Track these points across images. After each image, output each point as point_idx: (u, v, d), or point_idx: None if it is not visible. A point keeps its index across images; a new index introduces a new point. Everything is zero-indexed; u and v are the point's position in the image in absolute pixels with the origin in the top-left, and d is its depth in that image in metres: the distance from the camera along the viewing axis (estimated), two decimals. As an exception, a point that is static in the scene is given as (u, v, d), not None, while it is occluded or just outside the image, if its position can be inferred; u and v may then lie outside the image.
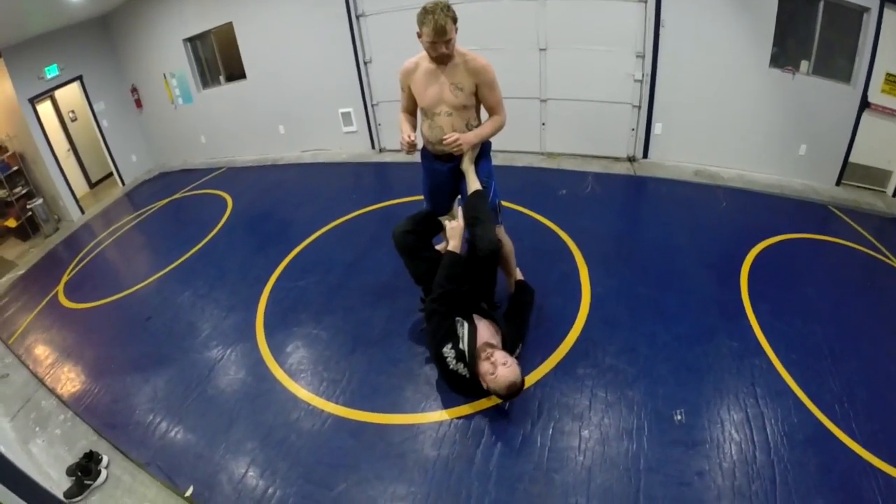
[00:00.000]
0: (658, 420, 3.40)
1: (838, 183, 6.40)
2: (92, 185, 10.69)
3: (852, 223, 5.55)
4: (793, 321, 4.14)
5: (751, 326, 4.09)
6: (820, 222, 5.67)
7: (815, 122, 6.25)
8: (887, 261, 4.93)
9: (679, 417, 3.39)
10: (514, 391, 3.33)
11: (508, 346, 3.64)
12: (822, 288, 4.53)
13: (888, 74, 5.70)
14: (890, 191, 6.19)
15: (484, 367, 3.37)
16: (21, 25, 7.56)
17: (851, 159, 6.26)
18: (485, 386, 3.41)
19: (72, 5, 7.97)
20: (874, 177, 6.26)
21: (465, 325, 3.61)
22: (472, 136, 3.75)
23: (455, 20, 3.42)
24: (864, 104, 5.90)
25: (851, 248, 5.12)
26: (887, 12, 5.46)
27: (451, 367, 3.53)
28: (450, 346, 3.54)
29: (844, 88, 5.99)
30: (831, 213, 5.85)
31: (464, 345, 3.51)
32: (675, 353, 3.89)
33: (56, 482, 3.67)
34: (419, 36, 3.50)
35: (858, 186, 6.34)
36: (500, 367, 3.31)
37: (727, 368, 3.74)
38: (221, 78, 9.66)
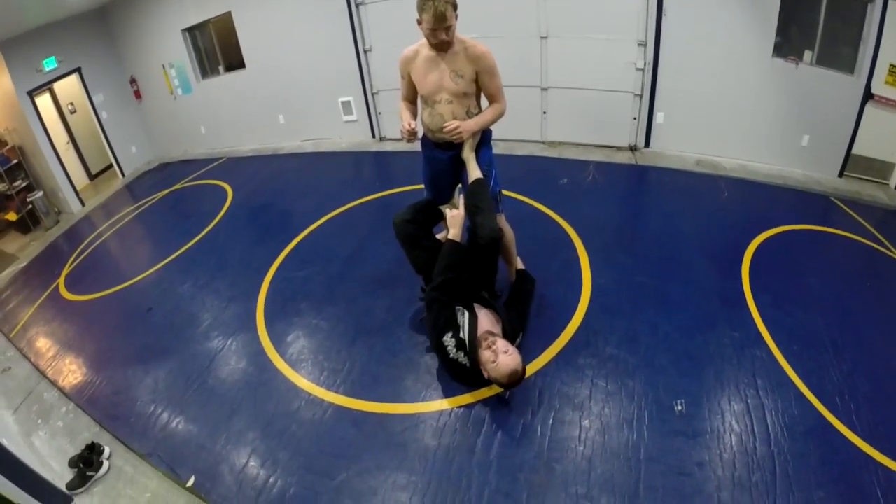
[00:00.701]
0: (659, 410, 3.40)
1: (840, 174, 6.36)
2: (92, 177, 10.68)
3: (854, 215, 5.52)
4: (794, 312, 4.12)
5: (752, 317, 4.08)
6: (822, 213, 5.64)
7: (817, 113, 6.21)
8: (889, 253, 4.90)
9: (679, 408, 3.39)
10: (514, 380, 3.32)
11: (509, 335, 3.63)
12: (823, 279, 4.50)
13: (892, 66, 5.64)
14: (892, 183, 6.15)
15: (485, 355, 3.36)
16: (18, 18, 7.52)
17: (854, 151, 6.22)
18: (486, 374, 3.40)
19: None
20: (877, 169, 6.23)
21: (466, 313, 3.60)
22: (473, 124, 3.73)
23: (455, 7, 3.40)
24: (868, 95, 5.86)
25: (853, 240, 5.10)
26: (891, 3, 5.39)
27: (452, 355, 3.52)
28: (450, 334, 3.54)
29: (848, 79, 5.94)
30: (833, 204, 5.82)
31: (464, 333, 3.50)
32: (676, 343, 3.88)
33: (58, 474, 3.69)
34: (419, 23, 3.47)
35: (861, 178, 6.31)
36: (501, 356, 3.30)
37: (728, 359, 3.73)
38: (221, 68, 9.64)
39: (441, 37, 3.45)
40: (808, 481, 2.91)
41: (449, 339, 3.53)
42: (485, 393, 3.60)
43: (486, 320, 3.65)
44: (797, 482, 2.91)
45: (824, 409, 3.32)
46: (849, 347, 3.77)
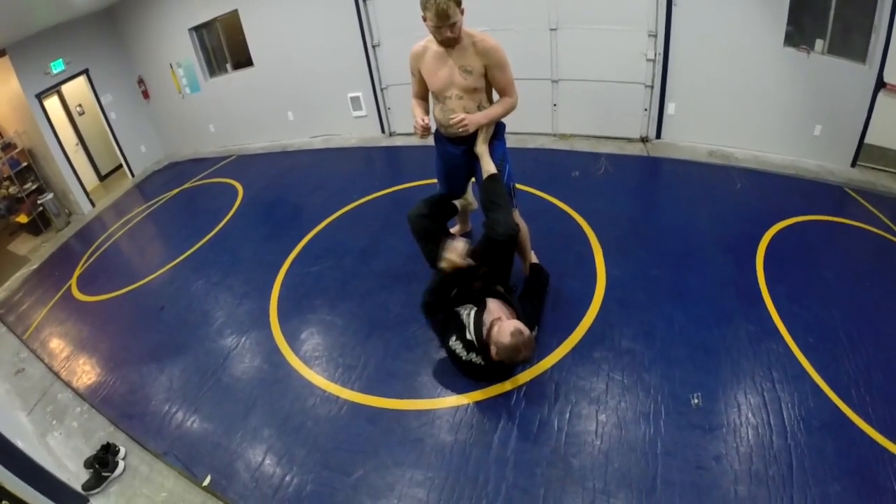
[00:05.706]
0: (675, 404, 3.38)
1: (853, 164, 6.28)
2: (102, 178, 10.72)
3: (868, 205, 5.45)
4: (810, 304, 4.08)
5: (767, 309, 4.04)
6: (836, 204, 5.58)
7: (830, 103, 6.13)
8: (904, 243, 4.85)
9: (696, 401, 3.37)
10: (520, 340, 3.22)
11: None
12: (838, 271, 4.45)
13: (904, 53, 5.59)
14: (906, 172, 6.09)
15: (492, 330, 3.35)
16: (26, 20, 7.53)
17: (867, 140, 6.12)
18: (493, 351, 3.33)
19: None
20: (890, 158, 6.13)
21: (473, 310, 3.57)
22: (480, 117, 3.72)
23: (459, 3, 3.36)
24: (880, 84, 5.78)
25: (868, 231, 5.03)
26: (903, -10, 5.34)
27: (464, 358, 3.51)
28: (454, 337, 3.52)
29: (860, 68, 5.85)
30: (847, 194, 5.74)
31: (471, 334, 3.47)
32: (692, 335, 3.86)
33: (74, 474, 3.72)
34: (424, 20, 3.46)
35: (874, 168, 6.23)
36: (502, 322, 3.31)
37: (744, 352, 3.70)
38: (228, 66, 9.64)
39: (446, 34, 3.43)
40: (825, 474, 2.90)
41: (455, 342, 3.52)
42: (501, 388, 3.60)
43: (499, 312, 3.59)
44: (813, 475, 2.89)
45: (840, 401, 3.29)
46: (864, 340, 3.73)
